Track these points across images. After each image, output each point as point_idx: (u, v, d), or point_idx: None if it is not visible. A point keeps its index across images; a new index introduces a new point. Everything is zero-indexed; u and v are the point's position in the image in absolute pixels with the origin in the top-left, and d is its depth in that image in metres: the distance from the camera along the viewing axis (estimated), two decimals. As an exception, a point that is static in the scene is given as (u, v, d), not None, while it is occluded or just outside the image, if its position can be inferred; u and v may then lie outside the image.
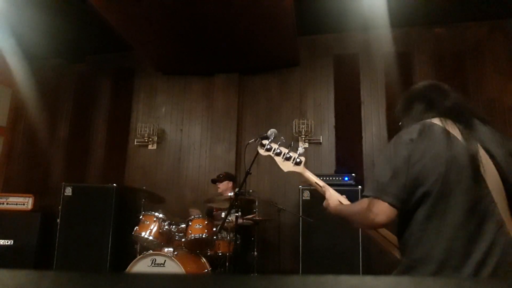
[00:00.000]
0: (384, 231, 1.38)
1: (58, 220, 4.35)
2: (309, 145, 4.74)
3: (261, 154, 1.76)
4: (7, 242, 4.35)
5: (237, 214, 3.15)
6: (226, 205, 3.48)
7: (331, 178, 4.08)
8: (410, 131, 1.22)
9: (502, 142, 1.20)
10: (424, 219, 1.14)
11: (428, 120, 1.25)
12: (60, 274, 0.42)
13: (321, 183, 1.59)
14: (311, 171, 1.69)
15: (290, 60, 4.93)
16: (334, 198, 1.51)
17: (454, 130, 1.19)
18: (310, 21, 4.54)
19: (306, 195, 3.97)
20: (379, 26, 4.31)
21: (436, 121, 1.23)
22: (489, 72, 4.48)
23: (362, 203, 1.22)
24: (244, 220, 3.49)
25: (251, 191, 3.85)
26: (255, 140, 2.53)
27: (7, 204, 4.52)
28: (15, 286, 0.39)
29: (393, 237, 1.35)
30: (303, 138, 4.73)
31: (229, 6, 3.62)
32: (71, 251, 4.27)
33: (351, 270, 3.73)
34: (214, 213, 4.01)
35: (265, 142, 1.73)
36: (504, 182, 1.14)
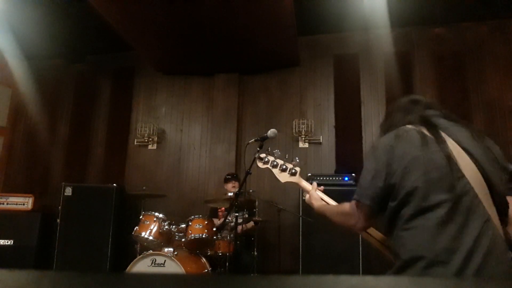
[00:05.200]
0: (374, 232, 1.42)
1: (58, 220, 4.35)
2: (309, 145, 4.74)
3: (259, 167, 1.86)
4: (7, 242, 4.34)
5: (241, 219, 3.15)
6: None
7: (331, 178, 4.08)
8: (388, 137, 1.30)
9: (478, 140, 1.26)
10: (408, 218, 1.18)
11: (404, 126, 1.31)
12: (60, 274, 0.42)
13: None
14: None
15: (290, 60, 4.93)
16: (318, 197, 1.59)
17: (429, 133, 1.25)
18: (310, 21, 4.54)
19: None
20: (379, 26, 4.31)
21: (412, 126, 1.30)
22: (489, 72, 4.48)
23: (346, 205, 1.32)
24: (245, 226, 3.54)
25: (251, 191, 3.85)
26: (255, 140, 2.55)
27: (7, 204, 4.51)
28: (15, 286, 0.39)
29: (382, 237, 1.39)
30: (303, 138, 4.73)
31: (229, 6, 3.62)
32: (71, 251, 4.27)
33: (351, 270, 3.73)
34: (219, 213, 3.98)
35: (262, 155, 1.82)
36: (484, 178, 1.18)
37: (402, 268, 1.17)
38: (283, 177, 1.73)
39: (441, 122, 1.30)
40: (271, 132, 2.48)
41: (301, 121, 4.73)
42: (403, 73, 4.59)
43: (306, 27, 4.63)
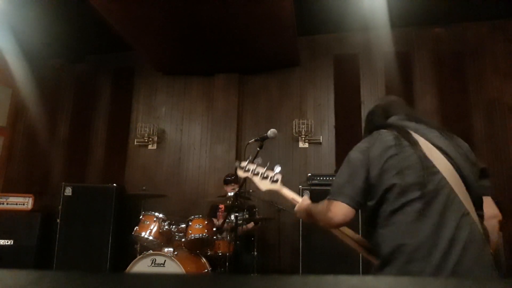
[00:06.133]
0: (349, 231, 1.45)
1: (58, 220, 4.35)
2: (309, 145, 4.74)
3: (240, 176, 1.84)
4: (7, 242, 4.34)
5: (241, 220, 3.15)
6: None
7: (331, 178, 4.08)
8: (365, 140, 1.36)
9: (448, 138, 1.31)
10: (387, 215, 1.21)
11: (378, 131, 1.37)
12: (60, 274, 0.42)
13: (298, 198, 1.64)
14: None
15: (290, 60, 4.93)
16: (306, 199, 1.60)
17: (403, 133, 1.30)
18: (310, 21, 4.54)
19: (306, 195, 3.97)
20: (379, 26, 4.31)
21: (385, 130, 1.35)
22: (489, 72, 4.48)
23: (324, 204, 1.35)
24: (246, 227, 3.54)
25: (251, 191, 3.85)
26: (255, 140, 2.55)
27: (7, 204, 4.51)
28: (15, 286, 0.39)
29: (357, 237, 1.45)
30: (303, 138, 4.73)
31: (229, 6, 3.62)
32: (71, 251, 4.27)
33: (351, 270, 3.73)
34: (219, 213, 3.98)
35: (243, 164, 1.81)
36: (459, 173, 1.22)
37: (384, 264, 1.20)
38: (264, 185, 1.72)
39: (411, 124, 1.34)
40: (271, 132, 2.48)
41: (301, 121, 4.73)
42: (403, 73, 4.59)
43: (306, 27, 4.63)
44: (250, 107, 5.09)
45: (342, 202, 1.26)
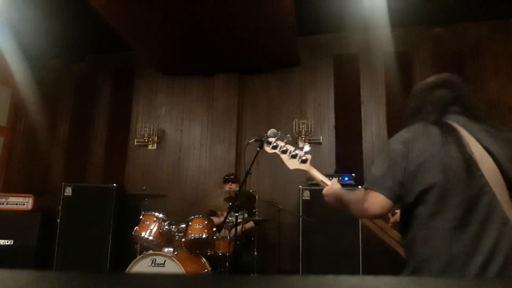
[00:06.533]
0: (386, 226, 1.40)
1: (58, 220, 4.35)
2: (309, 145, 4.74)
3: (267, 151, 1.76)
4: (7, 242, 4.34)
5: (241, 219, 3.15)
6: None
7: (331, 178, 4.06)
8: (409, 130, 1.27)
9: (498, 137, 1.22)
10: (426, 218, 1.15)
11: (425, 122, 1.28)
12: (60, 274, 0.42)
13: (327, 181, 1.60)
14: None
15: (290, 60, 4.93)
16: (336, 183, 1.54)
17: (452, 131, 1.21)
18: (310, 21, 4.54)
19: (306, 195, 3.97)
20: (379, 26, 4.31)
21: (434, 123, 1.26)
22: (489, 72, 4.48)
23: (359, 193, 1.28)
24: (245, 227, 3.55)
25: (251, 191, 3.84)
26: (255, 140, 2.54)
27: (7, 204, 4.51)
28: (15, 286, 0.39)
29: (394, 233, 1.38)
30: (303, 138, 4.72)
31: (229, 6, 3.62)
32: (71, 251, 4.26)
33: (351, 270, 3.73)
34: (219, 215, 3.97)
35: (271, 139, 1.74)
36: (505, 179, 1.15)
37: (417, 269, 1.15)
38: (292, 164, 1.66)
39: (462, 120, 1.25)
40: (271, 132, 2.47)
41: (301, 121, 4.73)
42: (403, 73, 4.59)
43: (306, 27, 4.63)
44: (250, 107, 5.09)
45: (381, 193, 1.19)
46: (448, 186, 1.13)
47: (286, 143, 1.71)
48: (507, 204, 1.12)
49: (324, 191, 1.54)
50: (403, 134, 1.26)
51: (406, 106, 1.42)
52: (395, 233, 1.37)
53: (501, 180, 1.14)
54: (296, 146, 1.69)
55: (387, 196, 1.18)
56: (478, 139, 1.19)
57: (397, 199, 1.19)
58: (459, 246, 1.09)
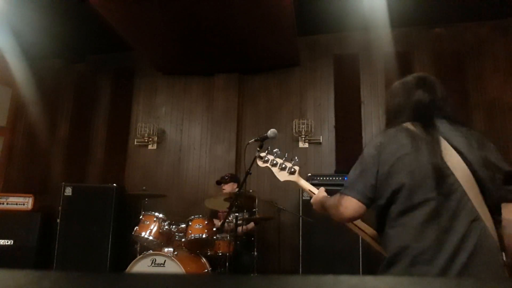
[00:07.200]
0: (362, 225, 1.45)
1: (58, 220, 4.35)
2: (309, 145, 4.74)
3: (260, 166, 1.87)
4: (7, 242, 4.35)
5: (241, 221, 3.15)
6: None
7: (331, 178, 4.08)
8: (382, 135, 1.34)
9: (469, 138, 1.26)
10: (396, 216, 1.21)
11: (400, 125, 1.32)
12: (60, 274, 0.42)
13: (314, 190, 1.64)
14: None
15: (290, 60, 4.93)
16: (322, 191, 1.59)
17: (421, 132, 1.26)
18: (310, 21, 4.54)
19: (306, 195, 3.97)
20: (379, 26, 4.31)
21: (407, 125, 1.31)
22: (489, 72, 4.48)
23: (336, 197, 1.35)
24: (246, 227, 3.55)
25: (251, 191, 3.85)
26: (255, 140, 2.54)
27: (7, 204, 4.52)
28: (15, 286, 0.39)
29: (371, 231, 1.43)
30: (303, 138, 4.72)
31: (229, 6, 3.62)
32: (71, 251, 4.27)
33: (351, 270, 3.73)
34: (219, 214, 3.97)
35: (262, 154, 1.84)
36: (476, 178, 1.19)
37: (388, 265, 1.20)
38: (282, 176, 1.74)
39: (438, 121, 1.29)
40: (271, 132, 2.47)
41: (301, 121, 4.73)
42: (403, 73, 4.53)
43: (306, 27, 4.63)
44: (250, 107, 5.09)
45: (353, 197, 1.26)
46: (416, 184, 1.18)
47: (276, 156, 1.79)
48: (478, 202, 1.16)
49: (311, 200, 1.61)
50: (376, 139, 1.33)
51: (387, 105, 1.47)
52: (372, 232, 1.41)
53: (472, 179, 1.18)
54: (285, 158, 1.77)
55: (359, 200, 1.25)
56: (448, 140, 1.24)
57: (369, 202, 1.25)
58: (426, 241, 1.13)
